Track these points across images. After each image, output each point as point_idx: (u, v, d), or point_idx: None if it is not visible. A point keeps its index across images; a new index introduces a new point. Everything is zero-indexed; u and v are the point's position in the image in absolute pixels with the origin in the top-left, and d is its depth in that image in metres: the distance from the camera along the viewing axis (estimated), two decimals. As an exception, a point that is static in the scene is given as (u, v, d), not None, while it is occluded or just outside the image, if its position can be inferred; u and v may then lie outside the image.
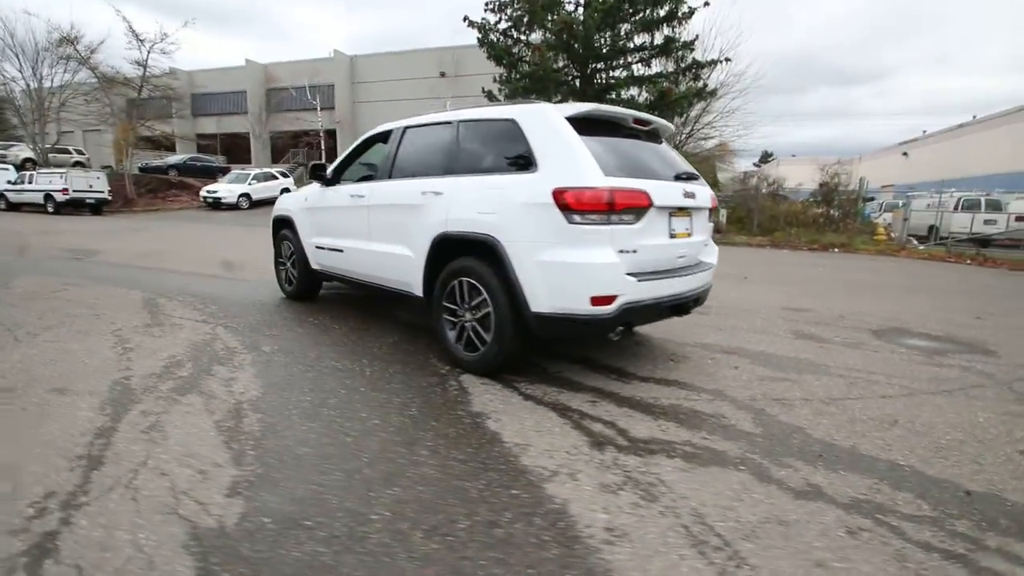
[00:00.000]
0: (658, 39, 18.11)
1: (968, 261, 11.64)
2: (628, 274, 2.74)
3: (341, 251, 4.25)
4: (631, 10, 17.16)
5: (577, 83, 18.85)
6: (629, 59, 18.84)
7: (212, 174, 25.76)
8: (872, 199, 21.72)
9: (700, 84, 18.26)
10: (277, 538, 1.67)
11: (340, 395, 2.85)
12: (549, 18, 17.50)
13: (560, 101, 20.53)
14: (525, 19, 18.04)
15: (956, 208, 16.15)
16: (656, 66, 19.24)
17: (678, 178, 3.15)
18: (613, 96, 19.10)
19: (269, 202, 23.21)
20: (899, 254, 12.96)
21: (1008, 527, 1.86)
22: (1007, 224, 14.57)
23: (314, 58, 34.41)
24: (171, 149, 33.52)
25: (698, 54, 19.04)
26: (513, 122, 3.04)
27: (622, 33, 17.92)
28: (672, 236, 3.05)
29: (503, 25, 18.99)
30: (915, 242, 15.13)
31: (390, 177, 3.84)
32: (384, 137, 4.09)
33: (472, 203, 3.06)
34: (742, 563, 1.62)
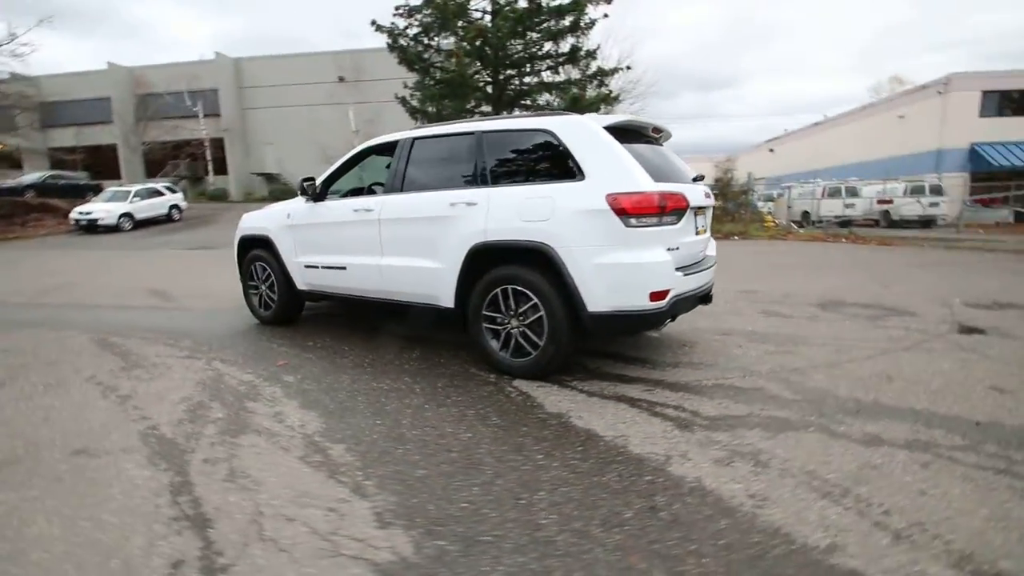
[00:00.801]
0: (564, 48, 19.05)
1: (843, 240, 13.68)
2: (675, 269, 3.00)
3: (343, 268, 4.06)
4: (539, 20, 17.82)
5: (490, 89, 19.22)
6: (539, 66, 19.57)
7: (81, 193, 22.43)
8: (751, 191, 24.62)
9: (606, 91, 19.45)
10: (469, 558, 1.66)
11: (409, 414, 2.77)
12: (460, 24, 17.68)
13: (475, 107, 20.76)
14: (436, 25, 18.00)
15: (823, 195, 18.89)
16: (563, 73, 20.26)
17: (695, 180, 3.48)
18: (528, 102, 19.75)
19: (156, 222, 20.77)
20: (787, 238, 14.85)
21: (1020, 443, 2.36)
22: (870, 206, 17.37)
23: (192, 61, 31.39)
24: (17, 166, 28.70)
25: (599, 62, 20.35)
26: (550, 132, 3.16)
27: (531, 41, 18.56)
28: (696, 233, 3.37)
29: (413, 31, 18.80)
30: (795, 226, 17.44)
31: (401, 190, 3.76)
32: (387, 149, 3.98)
33: (515, 212, 3.13)
34: (869, 503, 1.92)
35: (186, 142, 30.99)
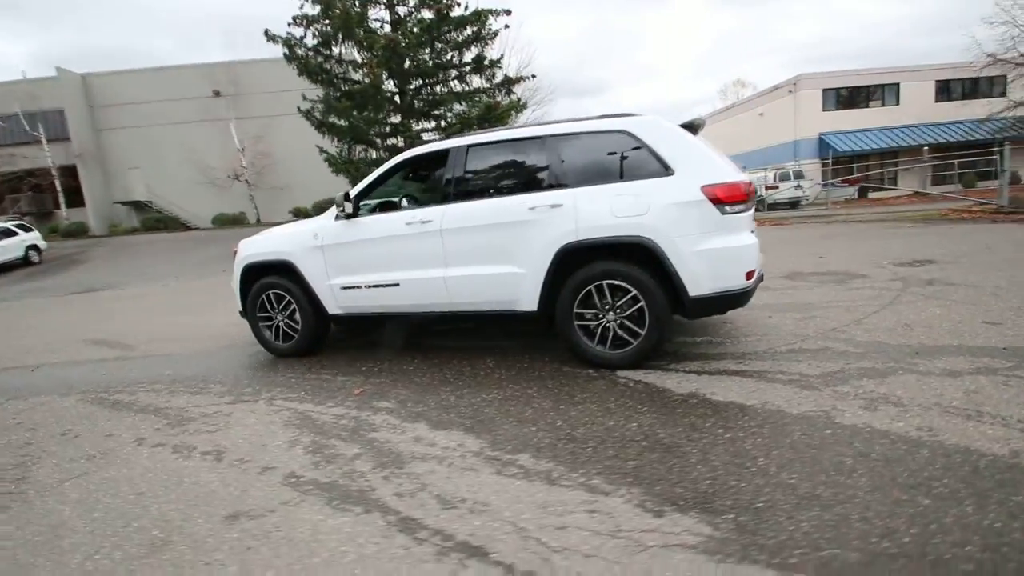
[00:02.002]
0: (468, 57, 19.29)
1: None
2: None
3: (395, 285, 3.85)
4: (445, 30, 17.86)
5: (400, 99, 18.85)
6: (447, 76, 19.60)
7: None
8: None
9: (514, 98, 20.04)
10: (766, 523, 1.76)
11: (554, 417, 2.75)
12: (361, 34, 17.14)
13: (384, 119, 20.26)
14: (338, 35, 17.25)
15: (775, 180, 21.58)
16: (470, 83, 20.51)
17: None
18: (441, 111, 19.69)
19: (10, 267, 17.34)
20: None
21: (1050, 359, 3.00)
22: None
23: (28, 78, 26.76)
24: None
25: (504, 71, 20.92)
26: (628, 133, 3.31)
27: (438, 51, 18.54)
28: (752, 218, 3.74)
29: (311, 41, 17.83)
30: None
31: (460, 199, 3.67)
32: (432, 159, 3.85)
33: (607, 210, 3.24)
34: (1001, 417, 2.33)
35: (28, 172, 26.31)
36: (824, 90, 24.73)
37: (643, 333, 3.29)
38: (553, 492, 2.05)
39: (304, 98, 18.87)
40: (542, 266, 3.40)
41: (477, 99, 19.50)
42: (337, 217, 4.05)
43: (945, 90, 24.95)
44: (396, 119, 19.87)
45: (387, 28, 18.35)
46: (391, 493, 2.14)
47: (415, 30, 17.38)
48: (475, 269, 3.61)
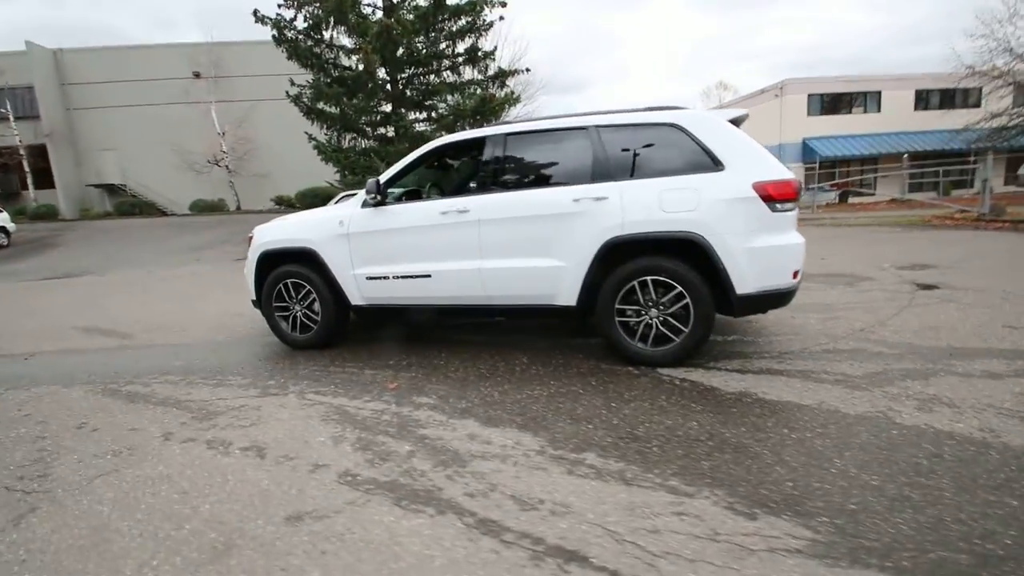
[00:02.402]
0: (461, 48, 19.03)
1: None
2: None
3: (426, 276, 3.72)
4: (441, 18, 17.56)
5: (392, 88, 18.48)
6: (441, 65, 19.29)
7: None
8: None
9: (509, 91, 19.86)
10: (862, 525, 1.72)
11: (608, 415, 2.69)
12: (354, 19, 16.73)
13: (374, 107, 19.91)
14: (330, 19, 16.79)
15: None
16: (464, 74, 20.25)
17: None
18: (433, 102, 19.39)
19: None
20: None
21: (1084, 363, 3.06)
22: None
23: (-7, 50, 25.43)
24: None
25: (498, 63, 20.71)
26: (678, 126, 3.25)
27: (433, 40, 18.22)
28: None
29: (301, 24, 17.32)
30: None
31: (496, 188, 3.57)
32: (467, 147, 3.74)
33: (655, 204, 3.18)
34: (1064, 421, 2.37)
35: (-8, 150, 25.08)
36: (809, 95, 25.21)
37: (686, 331, 3.24)
38: (634, 493, 1.99)
39: (292, 83, 18.36)
40: (584, 260, 3.33)
41: (471, 91, 19.29)
42: (364, 204, 3.90)
43: (924, 100, 25.71)
44: (387, 108, 19.54)
45: (380, 14, 17.96)
46: (461, 493, 2.04)
47: (410, 16, 17.05)
48: (513, 262, 3.51)
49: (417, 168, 3.98)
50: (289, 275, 4.17)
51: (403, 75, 18.87)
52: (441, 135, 18.77)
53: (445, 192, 4.81)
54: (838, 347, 3.59)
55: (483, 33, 19.14)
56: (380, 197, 3.78)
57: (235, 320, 5.67)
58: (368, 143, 19.53)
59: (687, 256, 3.21)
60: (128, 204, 27.12)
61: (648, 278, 3.26)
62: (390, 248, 3.82)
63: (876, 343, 3.63)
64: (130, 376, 3.82)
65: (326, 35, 17.73)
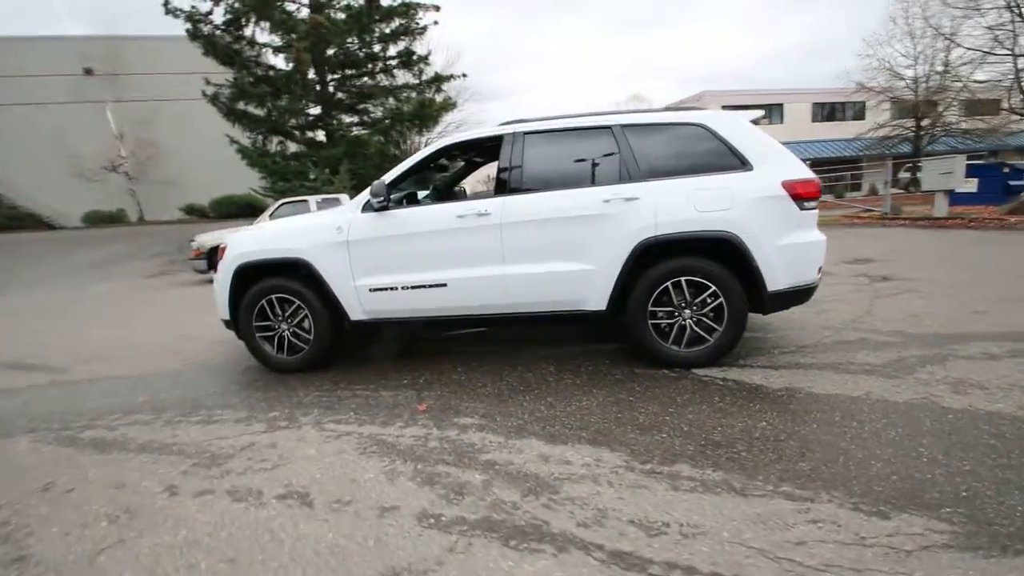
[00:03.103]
0: (394, 51, 18.49)
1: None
2: None
3: (442, 286, 3.43)
4: (372, 19, 16.92)
5: (320, 89, 17.52)
6: (373, 68, 18.60)
7: None
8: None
9: (446, 96, 19.56)
10: (1005, 517, 1.74)
11: (674, 423, 2.58)
12: (277, 15, 15.68)
13: (302, 108, 18.84)
14: (252, 13, 15.59)
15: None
16: (398, 77, 19.68)
17: None
18: (369, 104, 18.64)
19: None
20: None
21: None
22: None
23: None
24: None
25: (434, 68, 20.34)
26: (703, 126, 3.24)
27: (365, 42, 17.52)
28: None
29: (219, 18, 15.95)
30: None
31: (518, 190, 3.37)
32: (477, 146, 3.50)
33: (688, 204, 3.14)
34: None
35: None
36: (723, 107, 27.21)
37: (720, 330, 3.23)
38: (753, 504, 1.88)
39: (208, 82, 16.88)
40: (616, 263, 3.22)
41: (407, 95, 18.78)
42: (366, 208, 3.54)
43: (820, 111, 28.66)
44: (316, 110, 18.51)
45: (305, 12, 16.99)
46: (573, 524, 1.83)
47: (341, 16, 16.27)
48: (539, 266, 3.33)
49: (424, 170, 3.68)
50: (274, 290, 3.69)
51: (334, 77, 17.99)
52: (379, 140, 18.22)
53: (442, 195, 4.53)
54: (844, 338, 3.76)
55: (417, 36, 18.76)
56: (387, 201, 3.44)
57: (188, 345, 4.97)
58: (298, 146, 18.40)
59: (718, 255, 3.20)
60: (4, 217, 23.55)
61: (681, 279, 3.21)
62: (399, 256, 3.49)
63: (875, 332, 3.85)
64: (86, 419, 3.17)
65: (248, 31, 16.48)
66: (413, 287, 3.48)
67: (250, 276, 3.74)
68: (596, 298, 3.32)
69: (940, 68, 20.94)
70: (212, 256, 10.39)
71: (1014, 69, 14.76)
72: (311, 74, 17.23)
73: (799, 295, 3.28)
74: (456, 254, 3.42)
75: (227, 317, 3.85)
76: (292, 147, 18.76)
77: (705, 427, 2.50)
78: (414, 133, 20.85)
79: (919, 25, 20.87)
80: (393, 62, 18.99)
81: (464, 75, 20.19)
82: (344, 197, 11.29)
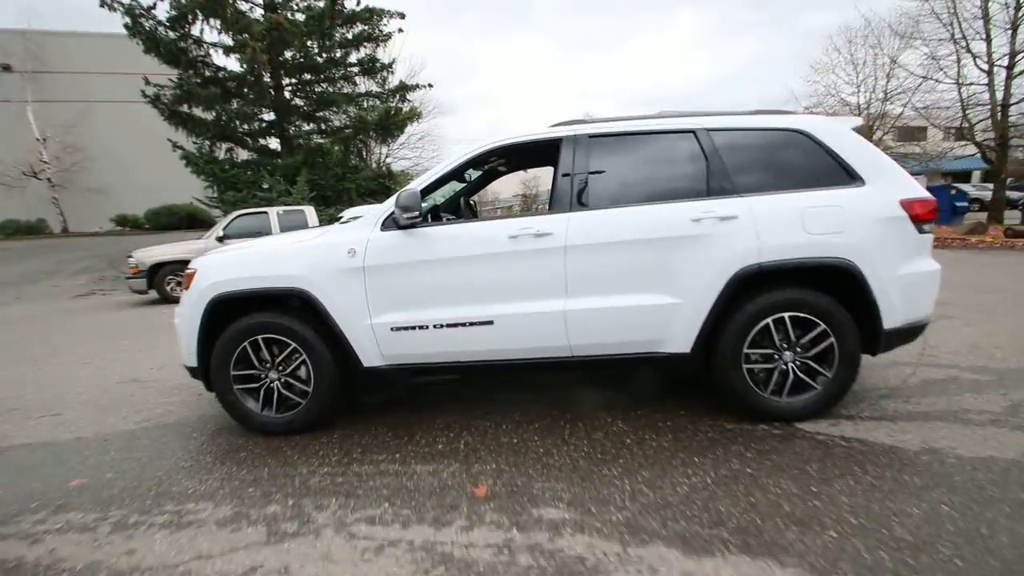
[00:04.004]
0: (354, 58, 17.59)
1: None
2: None
3: (489, 323, 2.72)
4: (337, 22, 15.97)
5: (275, 94, 16.30)
6: (334, 73, 17.58)
7: None
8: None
9: (412, 105, 18.77)
10: None
11: (785, 495, 1.99)
12: (229, 13, 14.47)
13: (255, 114, 17.69)
14: (202, 11, 14.27)
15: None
16: (360, 86, 18.75)
17: None
18: (329, 112, 17.58)
19: None
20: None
21: None
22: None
23: None
24: None
25: (399, 77, 19.55)
26: (805, 133, 2.72)
27: (326, 46, 16.51)
28: None
29: (163, 13, 14.52)
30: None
31: (584, 205, 2.73)
32: (535, 151, 2.84)
33: (797, 225, 2.60)
34: None
35: None
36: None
37: (829, 375, 2.69)
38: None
39: (147, 82, 15.34)
40: (708, 295, 2.63)
41: (371, 103, 17.87)
42: (386, 226, 2.79)
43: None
44: (270, 116, 17.24)
45: (259, 12, 15.83)
46: None
47: (301, 17, 15.24)
48: (611, 300, 2.69)
49: (458, 176, 2.98)
50: (261, 328, 2.85)
51: (292, 81, 16.84)
52: (340, 149, 17.13)
53: (461, 212, 3.82)
54: (930, 377, 3.33)
55: (381, 43, 17.94)
56: (420, 216, 2.70)
57: (136, 393, 3.97)
58: (249, 154, 17.05)
59: (825, 286, 2.68)
60: None
61: (785, 314, 2.66)
62: (433, 286, 2.75)
63: (956, 368, 3.45)
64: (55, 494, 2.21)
65: (195, 29, 15.11)
66: (450, 325, 2.75)
67: (229, 311, 2.89)
68: (679, 338, 2.71)
69: (880, 96, 22.18)
70: (153, 275, 9.12)
71: (959, 97, 15.69)
72: (266, 77, 16.05)
73: (912, 332, 2.80)
74: (506, 284, 2.73)
75: (194, 364, 2.96)
76: (243, 155, 17.39)
77: (877, 517, 1.91)
78: (378, 143, 19.91)
79: (860, 56, 22.04)
80: (355, 69, 18.09)
81: (430, 85, 19.51)
82: (309, 210, 10.27)
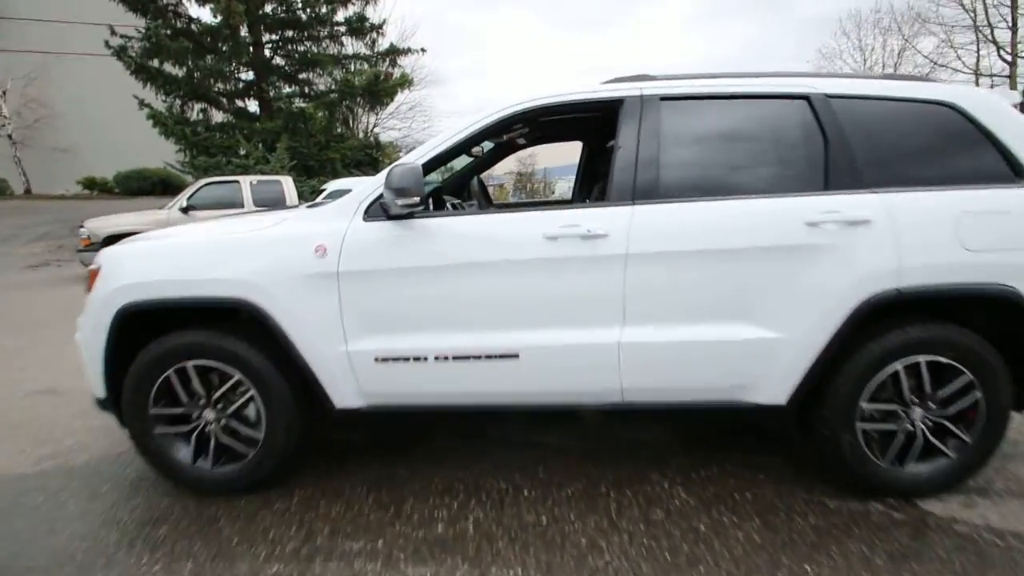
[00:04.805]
0: (341, 16, 16.28)
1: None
2: None
3: (513, 357, 1.95)
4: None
5: (254, 51, 15.00)
6: (319, 32, 16.26)
7: None
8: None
9: (403, 71, 17.59)
10: None
11: None
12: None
13: (232, 72, 16.46)
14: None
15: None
16: (349, 47, 17.46)
17: None
18: (312, 74, 16.33)
19: None
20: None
21: None
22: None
23: None
24: None
25: (389, 39, 18.24)
26: (954, 108, 1.95)
27: (311, 1, 15.17)
28: None
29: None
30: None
31: (650, 195, 1.95)
32: (588, 112, 2.03)
33: (950, 236, 1.85)
34: None
35: None
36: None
37: (968, 439, 1.99)
38: None
39: (113, 32, 13.98)
40: (821, 329, 1.89)
41: (358, 66, 16.63)
42: (372, 214, 1.98)
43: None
44: (249, 75, 15.94)
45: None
46: None
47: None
48: (684, 330, 1.93)
49: (471, 147, 2.18)
50: (193, 352, 2.05)
51: (272, 38, 15.52)
52: (324, 115, 15.94)
53: (472, 196, 3.00)
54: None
55: (370, 1, 16.62)
56: (418, 202, 1.89)
57: (45, 407, 3.15)
58: (225, 117, 15.79)
59: (968, 320, 1.96)
60: None
61: (921, 358, 1.93)
62: (435, 302, 1.96)
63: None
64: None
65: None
66: (458, 357, 1.97)
67: (146, 326, 2.07)
68: (773, 385, 1.97)
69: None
70: (108, 247, 8.11)
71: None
72: (243, 32, 14.73)
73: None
74: (539, 304, 1.95)
75: (102, 395, 2.15)
76: (218, 117, 16.11)
77: None
78: (365, 110, 18.70)
79: (869, 41, 21.25)
80: (342, 28, 16.78)
81: (423, 50, 18.27)
82: (287, 180, 9.29)
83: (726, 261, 1.90)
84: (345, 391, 2.06)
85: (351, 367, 2.02)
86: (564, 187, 24.16)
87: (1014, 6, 13.52)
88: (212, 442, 2.14)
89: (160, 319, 2.08)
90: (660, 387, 2.02)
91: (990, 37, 14.14)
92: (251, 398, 2.09)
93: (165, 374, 2.07)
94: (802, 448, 2.39)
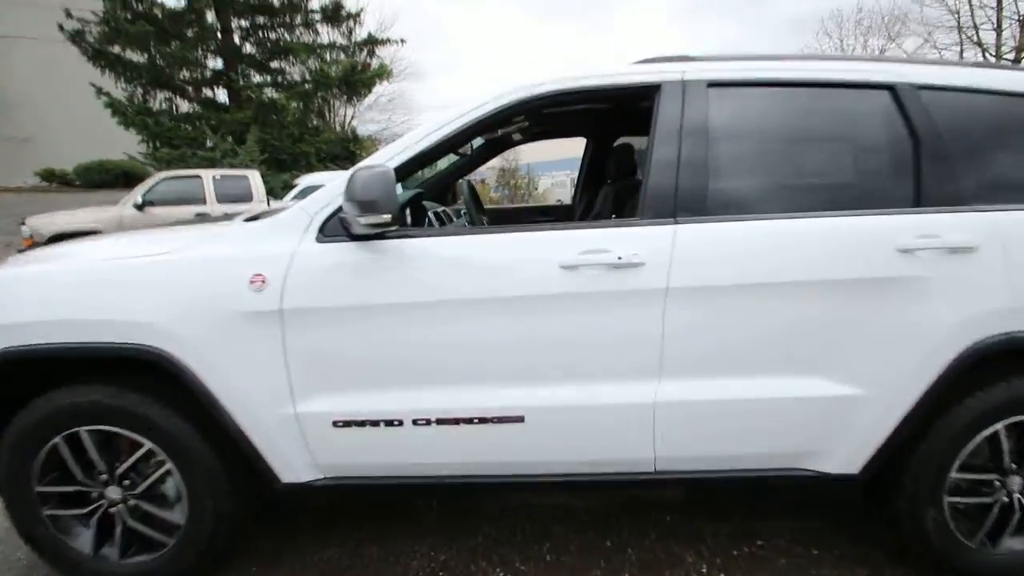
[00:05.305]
0: (316, 3, 15.52)
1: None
2: None
3: (518, 420, 1.49)
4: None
5: (223, 37, 14.15)
6: (292, 19, 15.45)
7: None
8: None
9: (382, 61, 16.88)
10: None
11: None
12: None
13: (198, 59, 15.60)
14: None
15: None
16: (324, 37, 16.67)
17: None
18: (285, 63, 15.52)
19: None
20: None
21: None
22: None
23: None
24: None
25: (367, 29, 17.51)
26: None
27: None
28: None
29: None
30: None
31: (696, 211, 1.50)
32: (615, 101, 1.58)
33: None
34: None
35: None
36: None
37: (1072, 516, 1.61)
38: None
39: (69, 15, 13.00)
40: (912, 383, 1.47)
41: (334, 56, 15.87)
42: (329, 233, 1.49)
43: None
44: (217, 64, 15.05)
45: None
46: None
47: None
48: (738, 386, 1.49)
49: (461, 144, 1.70)
50: (84, 415, 1.53)
51: (242, 24, 14.66)
52: (297, 106, 15.19)
53: (462, 204, 2.51)
54: None
55: (344, -13, 15.85)
56: (390, 219, 1.40)
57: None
58: (192, 107, 14.88)
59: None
60: None
61: (1019, 419, 1.54)
62: (413, 349, 1.48)
63: None
64: None
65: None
66: (443, 421, 1.50)
67: (25, 380, 1.55)
68: (847, 450, 1.55)
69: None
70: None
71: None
72: (210, 17, 13.87)
73: None
74: (550, 353, 1.48)
75: (-31, 466, 1.62)
76: (184, 107, 15.20)
77: None
78: (342, 102, 17.92)
79: (850, 42, 21.22)
80: (317, 15, 15.98)
81: (402, 40, 17.59)
82: (254, 175, 8.61)
83: (794, 298, 1.46)
84: (294, 463, 1.57)
85: (301, 433, 1.53)
86: (547, 183, 23.78)
87: (999, 7, 13.54)
88: (119, 529, 1.63)
89: (37, 373, 1.55)
90: (703, 455, 1.58)
91: (974, 39, 14.16)
92: (167, 472, 1.59)
93: (51, 442, 1.56)
94: (853, 510, 1.99)
